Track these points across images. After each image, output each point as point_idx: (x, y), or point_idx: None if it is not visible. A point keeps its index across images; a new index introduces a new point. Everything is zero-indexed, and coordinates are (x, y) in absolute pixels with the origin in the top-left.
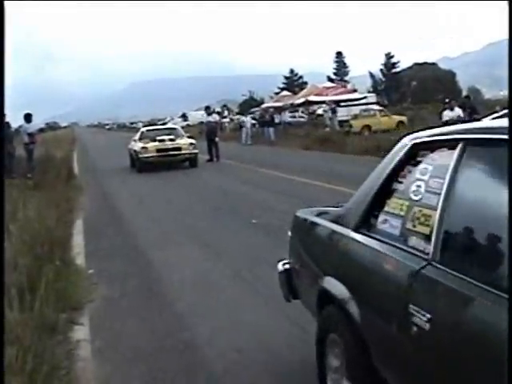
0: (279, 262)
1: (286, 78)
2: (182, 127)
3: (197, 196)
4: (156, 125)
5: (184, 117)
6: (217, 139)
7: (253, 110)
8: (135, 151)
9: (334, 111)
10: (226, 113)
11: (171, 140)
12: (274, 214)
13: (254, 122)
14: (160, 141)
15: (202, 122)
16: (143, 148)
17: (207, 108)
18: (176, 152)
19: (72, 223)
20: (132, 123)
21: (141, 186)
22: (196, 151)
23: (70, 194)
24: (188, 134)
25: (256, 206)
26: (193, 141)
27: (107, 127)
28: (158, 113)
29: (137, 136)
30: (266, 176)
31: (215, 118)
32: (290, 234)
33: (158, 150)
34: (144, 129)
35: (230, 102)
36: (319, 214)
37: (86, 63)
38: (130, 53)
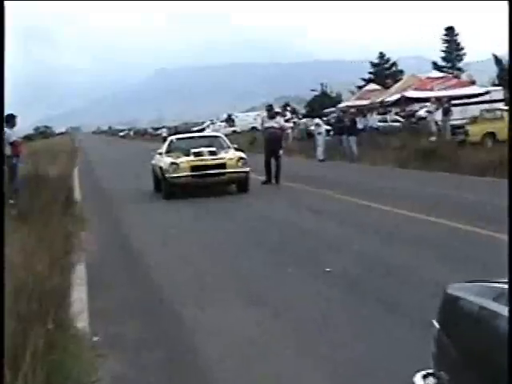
0: (418, 372)
1: (374, 65)
2: (227, 135)
3: (248, 233)
4: (190, 132)
5: (229, 120)
6: (281, 152)
7: (326, 110)
8: (161, 169)
9: (446, 112)
10: (288, 115)
11: (212, 153)
12: (355, 259)
13: (327, 127)
14: (196, 154)
15: (254, 128)
16: (173, 164)
17: (269, 108)
18: (219, 170)
19: (71, 269)
20: (156, 129)
21: (168, 218)
22: (247, 169)
23: (70, 227)
24: (235, 145)
25: (331, 247)
26: (242, 155)
27: (121, 134)
28: (192, 114)
29: (163, 148)
30: (344, 205)
31: (279, 122)
32: (436, 324)
33: (194, 168)
34: (173, 137)
35: (294, 100)
36: (495, 295)
37: (93, 46)
38: (151, 30)
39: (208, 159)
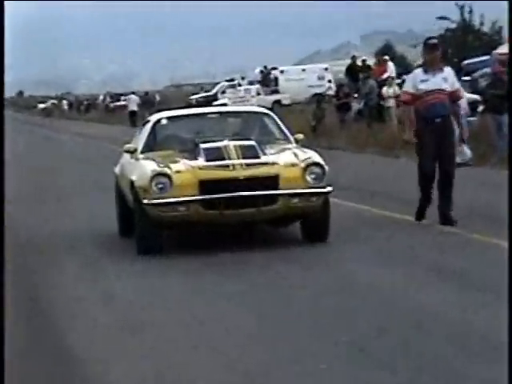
0: None
1: None
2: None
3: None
4: (188, 105)
5: (267, 80)
6: (467, 153)
7: (470, 61)
8: (133, 186)
9: None
10: (390, 70)
11: (247, 151)
12: None
13: (474, 97)
14: (211, 154)
15: (319, 96)
16: (158, 177)
17: (433, 46)
18: (262, 192)
19: None
20: (116, 97)
21: (149, 307)
22: (325, 190)
23: None
24: (299, 135)
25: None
26: (315, 156)
27: (42, 106)
28: (189, 67)
29: (139, 139)
30: None
31: (452, 80)
32: None
33: (206, 186)
34: (161, 117)
35: (400, 40)
36: None
37: None
38: None
39: (238, 165)
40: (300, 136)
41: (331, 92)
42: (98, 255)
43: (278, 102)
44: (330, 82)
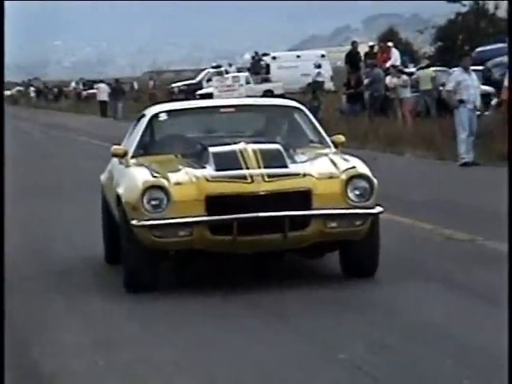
0: None
1: None
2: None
3: None
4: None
5: (257, 67)
6: None
7: (481, 49)
8: (120, 201)
9: None
10: (394, 58)
11: (270, 159)
12: None
13: (487, 89)
14: (224, 160)
15: (315, 85)
16: (152, 190)
17: None
18: (291, 213)
19: None
20: (88, 84)
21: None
22: (374, 211)
23: None
24: (338, 136)
25: None
26: (361, 167)
27: (7, 94)
28: (176, 49)
29: (133, 138)
30: None
31: None
32: None
33: (215, 202)
34: (160, 110)
35: (405, 25)
36: None
37: None
38: None
39: (258, 176)
40: (340, 138)
41: (320, 79)
42: (68, 290)
43: (269, 91)
44: (319, 67)
